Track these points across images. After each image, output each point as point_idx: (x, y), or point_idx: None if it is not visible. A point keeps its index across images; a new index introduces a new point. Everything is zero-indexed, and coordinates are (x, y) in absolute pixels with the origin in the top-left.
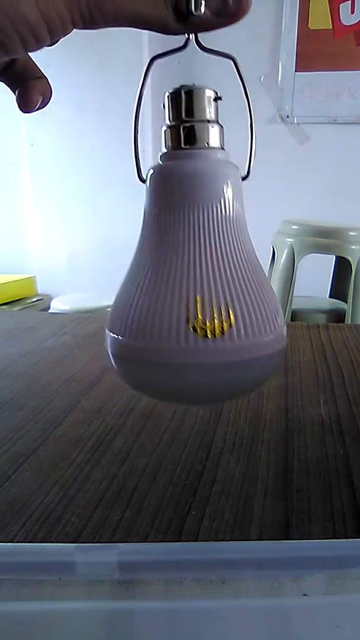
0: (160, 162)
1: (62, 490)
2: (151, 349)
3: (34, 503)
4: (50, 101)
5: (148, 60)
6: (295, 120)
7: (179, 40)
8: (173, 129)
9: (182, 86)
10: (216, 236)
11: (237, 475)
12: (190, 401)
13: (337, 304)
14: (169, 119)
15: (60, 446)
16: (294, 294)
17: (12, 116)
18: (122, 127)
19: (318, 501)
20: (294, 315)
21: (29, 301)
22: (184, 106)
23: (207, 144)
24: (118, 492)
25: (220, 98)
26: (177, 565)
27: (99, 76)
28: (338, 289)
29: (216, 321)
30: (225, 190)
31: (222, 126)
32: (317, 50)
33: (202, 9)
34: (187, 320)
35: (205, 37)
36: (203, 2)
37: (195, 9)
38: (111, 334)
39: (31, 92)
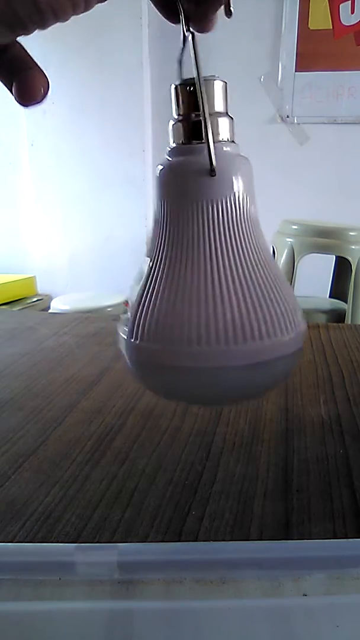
0: (168, 157)
1: (62, 490)
2: (172, 353)
3: (34, 503)
4: (48, 97)
5: (190, 36)
6: (295, 120)
7: (180, 38)
8: (182, 123)
9: (189, 77)
10: (233, 233)
11: (237, 475)
12: (212, 403)
13: (337, 304)
14: (177, 113)
15: (60, 446)
16: (294, 294)
17: (12, 116)
18: (122, 126)
19: (318, 501)
20: None
21: (29, 301)
22: (193, 98)
23: (219, 137)
24: (118, 492)
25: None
26: (177, 565)
27: (99, 76)
28: (338, 289)
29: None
30: (239, 185)
31: (232, 118)
32: (317, 50)
33: None
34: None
35: (205, 37)
36: None
37: None
38: (131, 339)
39: (31, 84)
